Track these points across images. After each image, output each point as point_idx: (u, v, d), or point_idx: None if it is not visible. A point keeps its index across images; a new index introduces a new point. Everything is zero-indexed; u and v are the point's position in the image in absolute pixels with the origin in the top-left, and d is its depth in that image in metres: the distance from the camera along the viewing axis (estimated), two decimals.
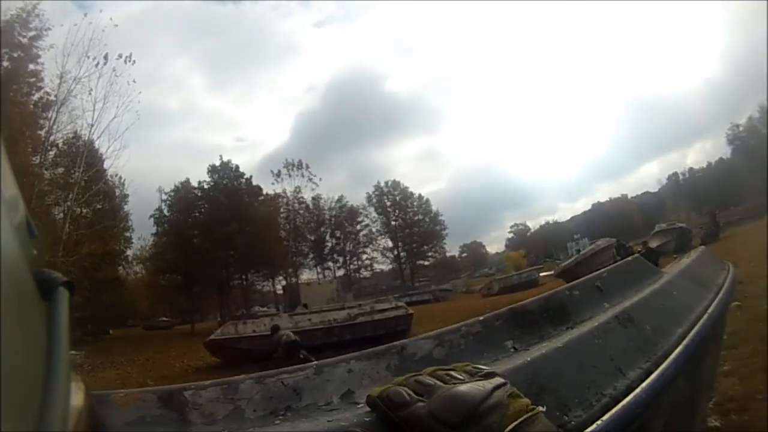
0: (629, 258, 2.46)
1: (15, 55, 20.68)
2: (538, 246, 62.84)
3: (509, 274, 39.82)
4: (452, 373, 1.10)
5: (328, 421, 1.40)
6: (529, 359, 1.43)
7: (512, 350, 1.61)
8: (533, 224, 72.57)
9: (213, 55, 75.05)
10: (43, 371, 0.62)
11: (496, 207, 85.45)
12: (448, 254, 57.47)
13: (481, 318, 1.73)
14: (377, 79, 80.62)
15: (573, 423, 1.28)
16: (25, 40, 21.00)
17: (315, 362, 1.92)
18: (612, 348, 1.58)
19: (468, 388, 1.01)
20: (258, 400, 1.82)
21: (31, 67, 21.76)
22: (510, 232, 71.54)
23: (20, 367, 0.58)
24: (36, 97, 22.96)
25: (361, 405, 1.72)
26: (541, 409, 0.99)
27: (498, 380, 1.03)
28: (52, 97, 24.39)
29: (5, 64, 20.69)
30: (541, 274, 35.60)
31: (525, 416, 0.93)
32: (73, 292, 0.73)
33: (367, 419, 1.23)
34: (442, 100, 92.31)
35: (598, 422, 1.30)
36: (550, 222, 69.61)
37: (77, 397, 0.79)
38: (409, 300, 31.51)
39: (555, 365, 1.43)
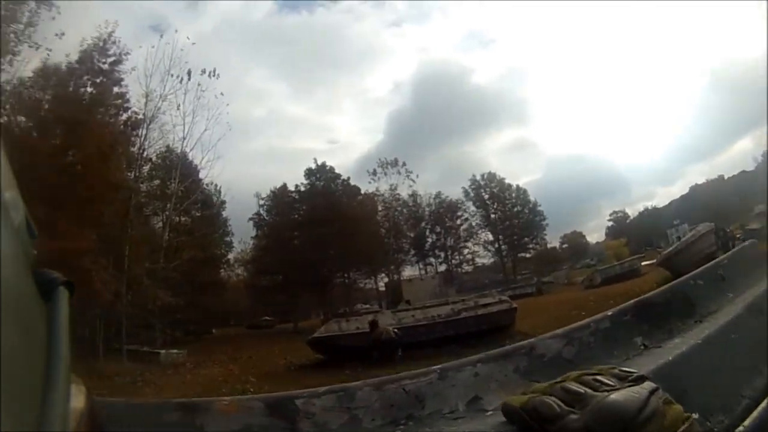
0: (745, 243, 2.39)
1: (97, 80, 22.41)
2: (638, 233, 58.75)
3: (611, 264, 37.75)
4: (600, 378, 1.01)
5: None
6: (670, 358, 1.41)
7: (642, 347, 1.62)
8: (632, 211, 68.30)
9: (294, 64, 76.80)
10: (43, 371, 0.63)
11: (593, 195, 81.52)
12: (548, 245, 55.47)
13: (609, 313, 1.76)
14: (461, 73, 79.01)
15: (716, 430, 1.21)
16: (105, 66, 22.78)
17: (438, 366, 1.74)
18: (747, 343, 1.53)
19: (623, 396, 0.94)
20: (377, 409, 1.67)
21: (116, 90, 23.48)
22: (609, 220, 68.02)
23: (20, 367, 0.59)
24: (124, 117, 24.67)
25: (490, 413, 1.54)
26: (694, 416, 0.97)
27: (650, 385, 0.96)
28: (141, 116, 26.13)
29: (89, 89, 22.40)
30: (643, 263, 33.53)
31: (683, 427, 0.91)
32: (73, 292, 0.74)
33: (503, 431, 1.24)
34: (529, 89, 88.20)
35: (740, 428, 1.22)
36: (649, 208, 64.74)
37: (78, 399, 0.79)
38: (512, 293, 30.75)
39: (693, 364, 1.40)
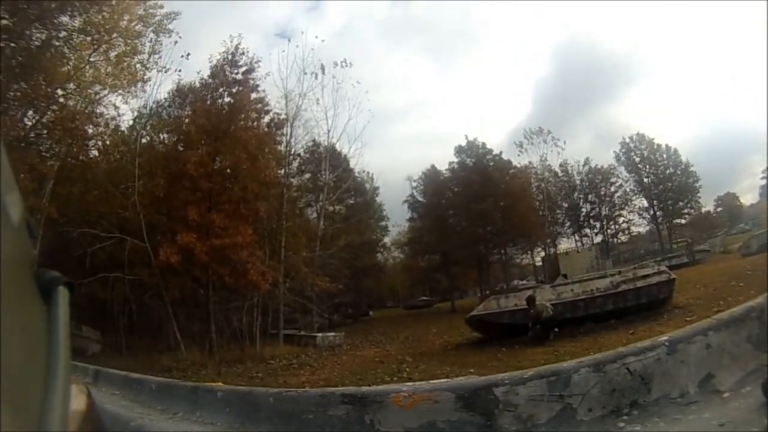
0: None
1: (233, 90, 23.94)
2: None
3: (766, 229, 32.25)
4: None
5: (719, 425, 1.34)
6: None
7: None
8: None
9: (429, 47, 76.46)
10: (43, 371, 0.68)
11: (743, 150, 70.01)
12: (703, 210, 50.27)
13: None
14: (592, 41, 72.50)
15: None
16: (239, 76, 24.21)
17: (666, 338, 1.92)
18: None
19: None
20: (595, 396, 1.98)
21: (254, 95, 24.90)
22: (762, 178, 57.77)
23: (20, 367, 0.63)
24: (267, 119, 26.03)
25: (726, 395, 1.74)
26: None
27: None
28: (283, 116, 27.56)
29: (227, 99, 24.29)
30: None
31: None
32: (73, 291, 0.81)
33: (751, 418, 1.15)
34: (661, 46, 76.73)
35: None
36: None
37: (78, 399, 0.91)
38: (668, 264, 28.20)
39: None
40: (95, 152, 24.14)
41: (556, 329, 16.07)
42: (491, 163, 43.47)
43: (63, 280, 0.77)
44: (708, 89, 76.78)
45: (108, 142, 23.31)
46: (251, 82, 24.59)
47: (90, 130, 22.51)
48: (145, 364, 17.69)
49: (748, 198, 60.17)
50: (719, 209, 54.13)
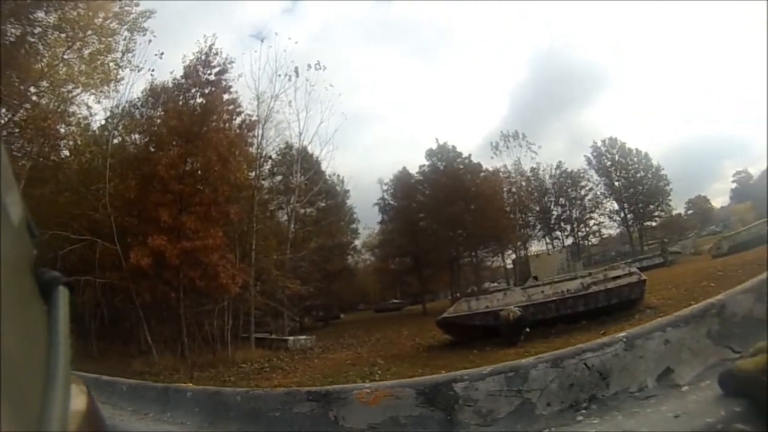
0: None
1: (206, 91, 23.75)
2: (764, 196, 51.20)
3: (736, 231, 33.69)
4: None
5: (674, 416, 1.27)
6: None
7: None
8: (755, 171, 59.71)
9: (402, 51, 77.13)
10: (43, 371, 0.67)
11: (714, 154, 72.85)
12: (673, 212, 51.25)
13: None
14: (570, 46, 74.39)
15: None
16: (211, 77, 24.00)
17: (624, 334, 1.90)
18: None
19: None
20: (553, 390, 1.92)
21: (226, 96, 24.56)
22: (733, 181, 60.74)
23: (20, 367, 0.62)
24: (238, 120, 25.71)
25: (685, 388, 1.69)
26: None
27: None
28: (255, 117, 27.29)
29: (199, 100, 24.02)
30: None
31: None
32: (73, 291, 0.81)
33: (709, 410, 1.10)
34: (635, 52, 79.22)
35: None
36: None
37: (78, 399, 0.89)
38: (640, 265, 28.94)
39: None
40: (66, 152, 23.64)
41: (527, 330, 16.30)
42: (462, 167, 43.85)
43: (63, 280, 0.79)
44: (680, 95, 78.86)
45: (80, 142, 22.73)
46: (224, 83, 24.43)
47: (62, 130, 22.10)
48: (117, 369, 17.36)
49: (719, 201, 61.82)
50: (690, 212, 55.48)
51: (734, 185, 61.03)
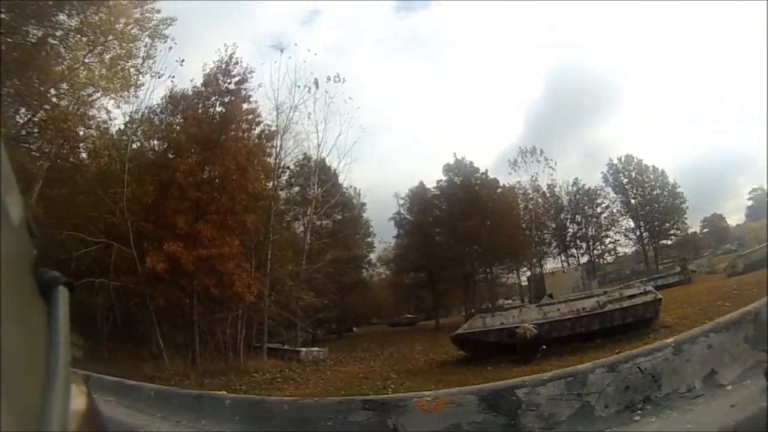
0: None
1: (226, 100, 23.95)
2: None
3: (752, 249, 33.10)
4: None
5: (731, 406, 1.41)
6: None
7: None
8: None
9: (421, 65, 77.16)
10: (43, 371, 0.66)
11: (730, 172, 71.94)
12: (689, 231, 50.66)
13: None
14: (583, 61, 74.36)
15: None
16: (231, 86, 24.24)
17: (672, 339, 2.07)
18: None
19: None
20: (610, 393, 2.01)
21: (246, 106, 24.74)
22: (749, 199, 59.28)
23: (20, 367, 0.62)
24: (257, 131, 25.80)
25: (729, 388, 1.82)
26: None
27: None
28: (274, 128, 27.37)
29: (218, 108, 24.18)
30: None
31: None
32: (73, 291, 0.79)
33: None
34: (650, 69, 78.72)
35: None
36: None
37: (78, 399, 0.89)
38: (655, 284, 28.59)
39: None
40: (84, 155, 23.77)
41: (544, 347, 16.20)
42: (478, 182, 43.69)
43: (63, 280, 0.76)
44: (695, 112, 78.28)
45: (98, 145, 22.95)
46: (243, 92, 24.67)
47: (81, 132, 22.32)
48: (128, 372, 17.37)
49: (734, 219, 61.06)
50: (705, 230, 54.88)
51: (750, 203, 60.31)
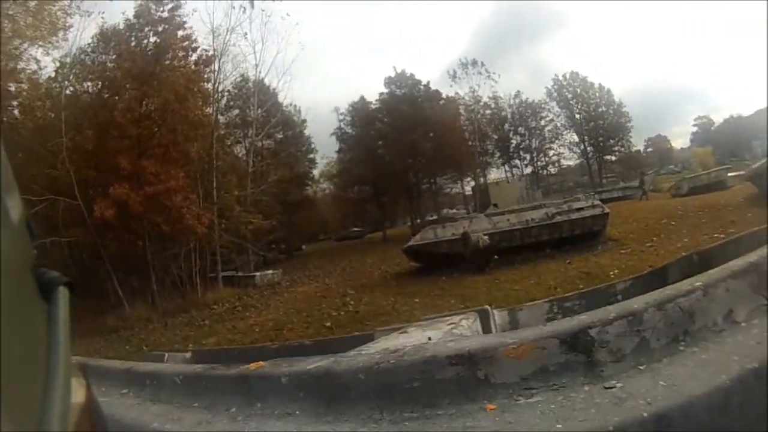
0: None
1: (159, 29, 22.53)
2: (723, 143, 53.44)
3: (698, 173, 35.30)
4: None
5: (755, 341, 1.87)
6: None
7: None
8: (717, 118, 63.10)
9: None
10: (43, 371, 0.67)
11: (677, 99, 74.74)
12: (633, 149, 52.87)
13: None
14: None
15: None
16: (165, 14, 22.77)
17: (701, 283, 2.46)
18: None
19: None
20: (661, 329, 2.43)
21: (180, 33, 23.29)
22: (694, 125, 64.49)
23: (20, 367, 0.62)
24: (194, 57, 24.43)
25: (743, 324, 2.30)
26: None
27: None
28: (211, 53, 26.15)
29: (152, 39, 22.75)
30: (729, 175, 30.77)
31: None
32: (73, 291, 0.80)
33: None
34: None
35: None
36: (734, 116, 58.44)
37: (78, 395, 0.89)
38: (599, 198, 29.99)
39: None
40: (17, 112, 22.24)
41: (496, 257, 16.87)
42: (421, 94, 43.48)
43: (63, 280, 0.78)
44: (648, 42, 78.68)
45: (32, 98, 21.31)
46: (177, 19, 23.16)
47: (12, 88, 20.64)
48: (90, 326, 17.43)
49: (679, 143, 63.94)
50: (649, 149, 56.96)
51: (695, 129, 63.04)
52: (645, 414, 1.92)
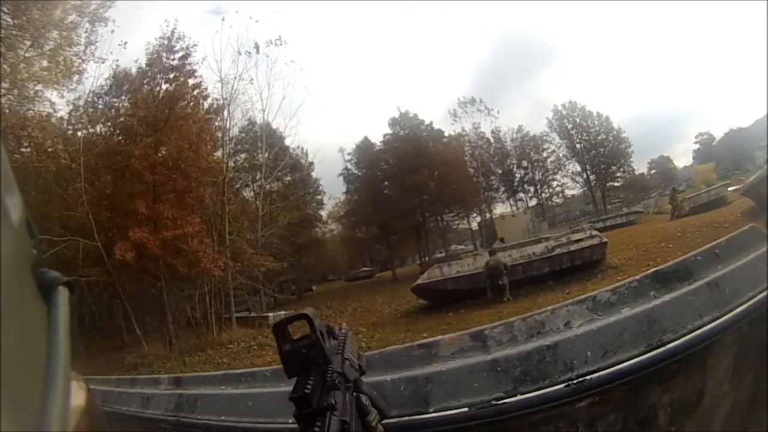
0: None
1: (171, 76, 23.59)
2: (726, 156, 53.37)
3: (698, 192, 35.27)
4: None
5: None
6: None
7: None
8: (718, 132, 62.27)
9: (364, 23, 75.94)
10: (43, 371, 0.66)
11: (678, 117, 75.90)
12: (636, 172, 52.26)
13: None
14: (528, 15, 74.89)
15: None
16: (175, 62, 23.77)
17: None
18: None
19: None
20: None
21: (192, 81, 24.31)
22: (695, 142, 62.93)
23: (20, 367, 0.61)
24: (206, 105, 25.56)
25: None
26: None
27: None
28: (221, 101, 27.16)
29: (164, 86, 23.70)
30: (729, 189, 30.67)
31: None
32: (73, 291, 0.80)
33: None
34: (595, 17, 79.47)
35: None
36: (734, 129, 58.12)
37: (78, 397, 0.90)
38: (603, 225, 30.18)
39: None
40: (26, 150, 22.70)
41: (501, 281, 17.19)
42: (424, 134, 44.22)
43: (63, 280, 0.78)
44: (643, 62, 79.68)
45: (55, 144, 22.01)
46: (188, 67, 24.22)
47: (26, 132, 21.27)
48: (111, 364, 17.73)
49: (682, 161, 63.43)
50: (653, 171, 56.86)
51: (697, 146, 63.28)
52: None
